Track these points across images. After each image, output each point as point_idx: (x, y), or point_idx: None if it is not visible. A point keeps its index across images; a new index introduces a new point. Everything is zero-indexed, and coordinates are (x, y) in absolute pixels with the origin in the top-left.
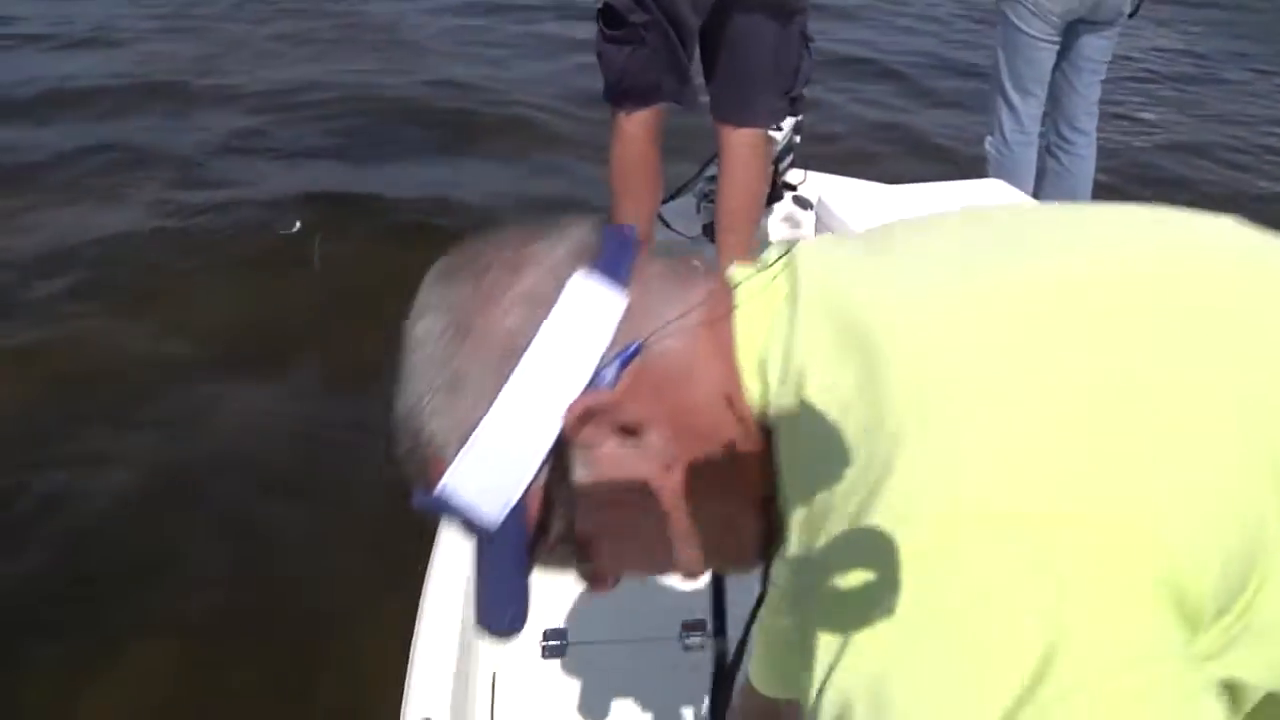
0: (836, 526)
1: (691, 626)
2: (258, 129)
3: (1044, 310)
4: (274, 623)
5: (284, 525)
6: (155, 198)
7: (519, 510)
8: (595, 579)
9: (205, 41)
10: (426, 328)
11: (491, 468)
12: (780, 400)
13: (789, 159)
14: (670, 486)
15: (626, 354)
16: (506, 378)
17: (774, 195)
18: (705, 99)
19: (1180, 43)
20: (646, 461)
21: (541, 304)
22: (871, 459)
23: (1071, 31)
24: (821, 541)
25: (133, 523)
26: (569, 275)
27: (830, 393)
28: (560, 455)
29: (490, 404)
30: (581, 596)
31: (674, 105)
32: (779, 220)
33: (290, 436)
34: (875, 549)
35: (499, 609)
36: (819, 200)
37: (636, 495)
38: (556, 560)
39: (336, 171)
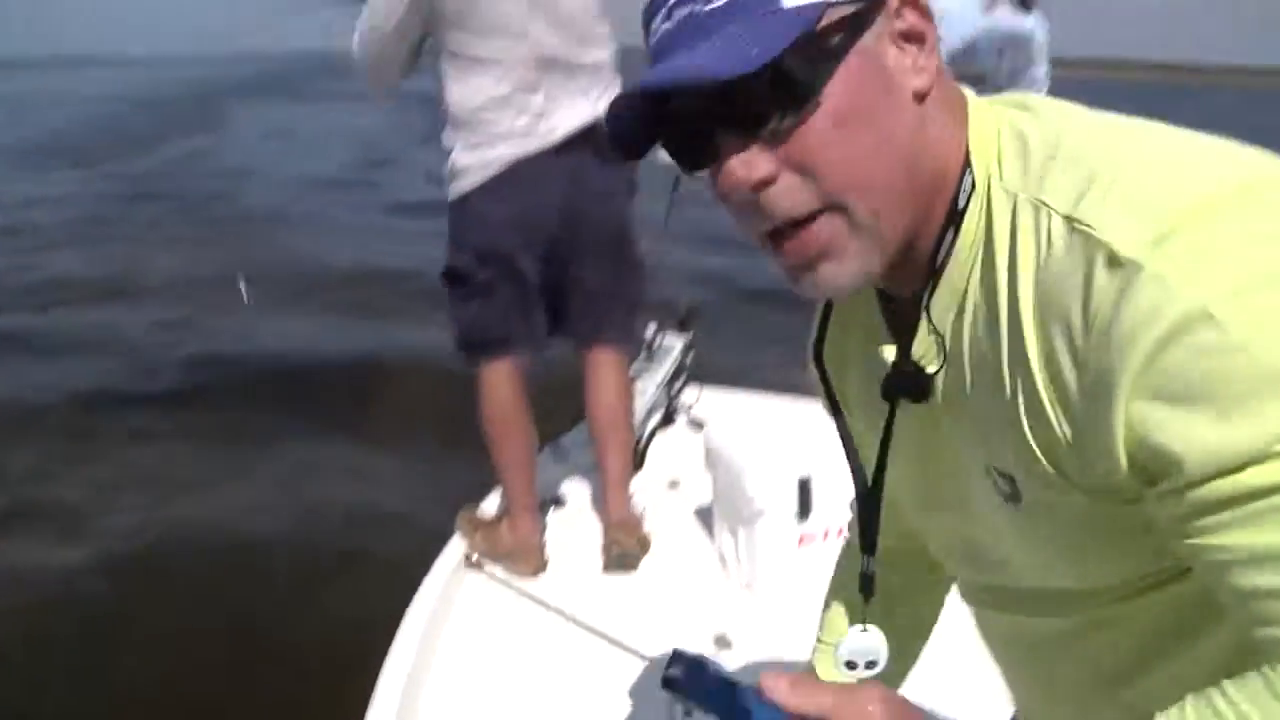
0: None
1: None
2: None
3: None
4: None
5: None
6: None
7: (814, 16)
8: (761, 163)
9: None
10: None
11: None
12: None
13: (682, 379)
14: (911, 115)
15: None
16: None
17: (668, 418)
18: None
19: None
20: (911, 73)
21: None
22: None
23: None
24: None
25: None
26: None
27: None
28: (869, 12)
29: None
30: None
31: (530, 351)
32: (674, 446)
33: None
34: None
35: (725, 59)
36: (708, 422)
37: (886, 98)
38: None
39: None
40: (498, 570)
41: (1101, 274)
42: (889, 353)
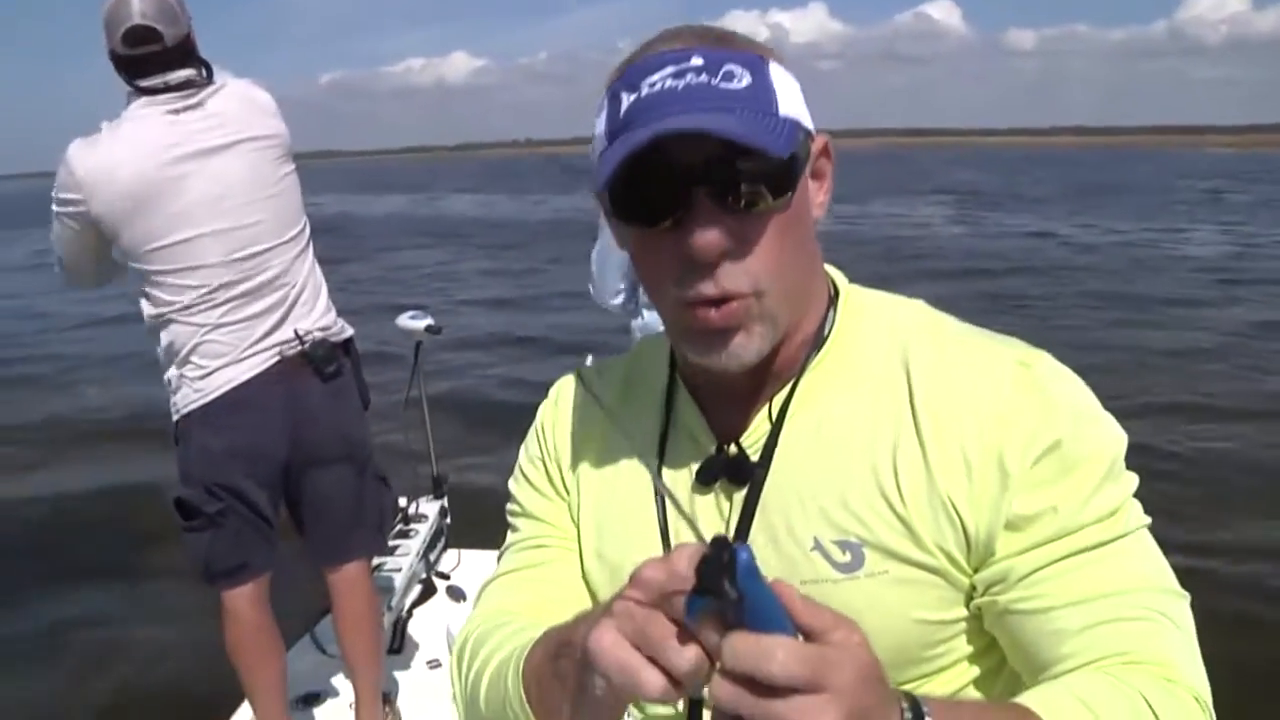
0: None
1: None
2: None
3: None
4: None
5: None
6: None
7: (799, 133)
8: (730, 235)
9: None
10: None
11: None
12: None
13: (441, 544)
14: (812, 236)
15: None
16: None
17: (428, 590)
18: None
19: None
20: (816, 205)
21: None
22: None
23: None
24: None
25: None
26: None
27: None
28: (810, 142)
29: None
30: None
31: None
32: (433, 620)
33: None
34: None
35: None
36: (467, 592)
37: (807, 216)
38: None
39: None
40: None
41: (1000, 380)
42: (705, 439)
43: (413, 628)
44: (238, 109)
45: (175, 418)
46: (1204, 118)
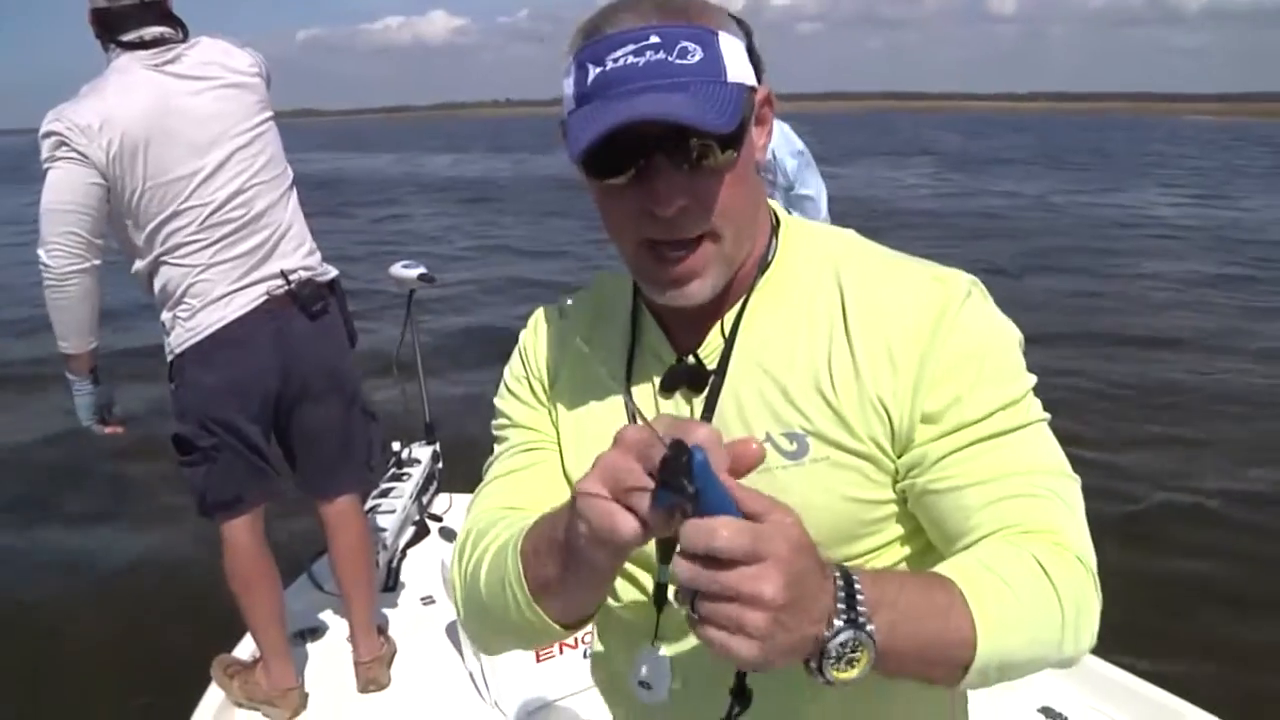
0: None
1: None
2: None
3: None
4: None
5: None
6: None
7: (744, 94)
8: (686, 189)
9: None
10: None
11: (740, 64)
12: (789, 229)
13: (433, 488)
14: (757, 179)
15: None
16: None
17: (421, 531)
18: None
19: None
20: (759, 148)
21: None
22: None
23: None
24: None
25: None
26: None
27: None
28: (753, 95)
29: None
30: None
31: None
32: (426, 560)
33: None
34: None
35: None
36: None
37: (751, 163)
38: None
39: None
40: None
41: (918, 292)
42: (667, 354)
43: (407, 567)
44: (213, 60)
45: (170, 358)
46: (1182, 86)
